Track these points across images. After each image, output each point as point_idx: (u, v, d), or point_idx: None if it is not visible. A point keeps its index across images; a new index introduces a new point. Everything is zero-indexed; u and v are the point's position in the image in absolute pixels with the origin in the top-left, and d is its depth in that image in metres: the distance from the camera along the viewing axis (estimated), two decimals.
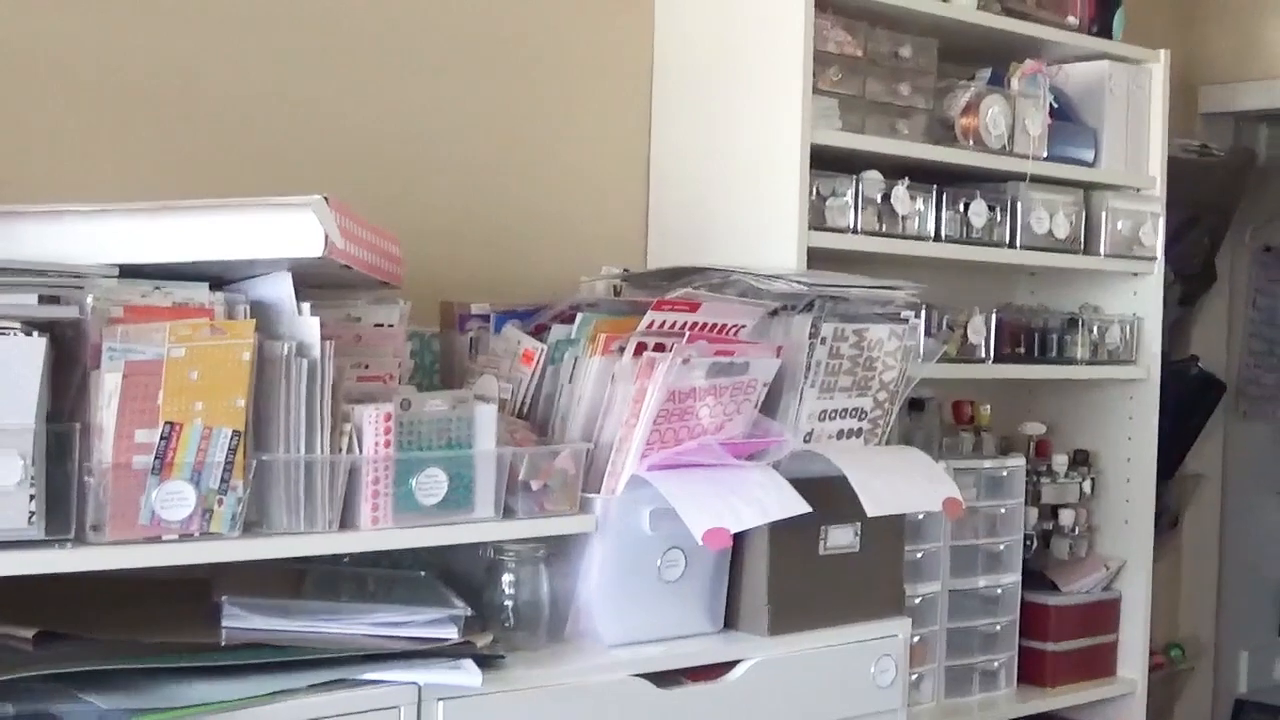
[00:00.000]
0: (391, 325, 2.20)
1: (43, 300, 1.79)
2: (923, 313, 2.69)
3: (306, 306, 1.98)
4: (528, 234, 2.89)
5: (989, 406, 3.48)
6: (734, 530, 2.21)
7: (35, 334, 1.75)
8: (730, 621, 2.40)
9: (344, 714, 1.91)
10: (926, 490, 2.51)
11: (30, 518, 1.77)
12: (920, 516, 3.06)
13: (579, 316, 2.33)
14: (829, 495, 2.37)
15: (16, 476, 1.75)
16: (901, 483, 2.46)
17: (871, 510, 2.37)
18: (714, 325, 2.31)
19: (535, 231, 2.90)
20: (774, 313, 2.43)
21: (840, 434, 2.51)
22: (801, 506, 2.29)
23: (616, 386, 2.24)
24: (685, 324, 2.26)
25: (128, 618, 2.01)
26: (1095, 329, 3.48)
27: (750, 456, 2.35)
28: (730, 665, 2.30)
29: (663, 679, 2.21)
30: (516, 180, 2.88)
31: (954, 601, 3.23)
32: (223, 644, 1.94)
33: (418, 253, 2.34)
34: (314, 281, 2.05)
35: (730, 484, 2.26)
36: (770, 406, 2.40)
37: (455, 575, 2.25)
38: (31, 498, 1.77)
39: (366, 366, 2.14)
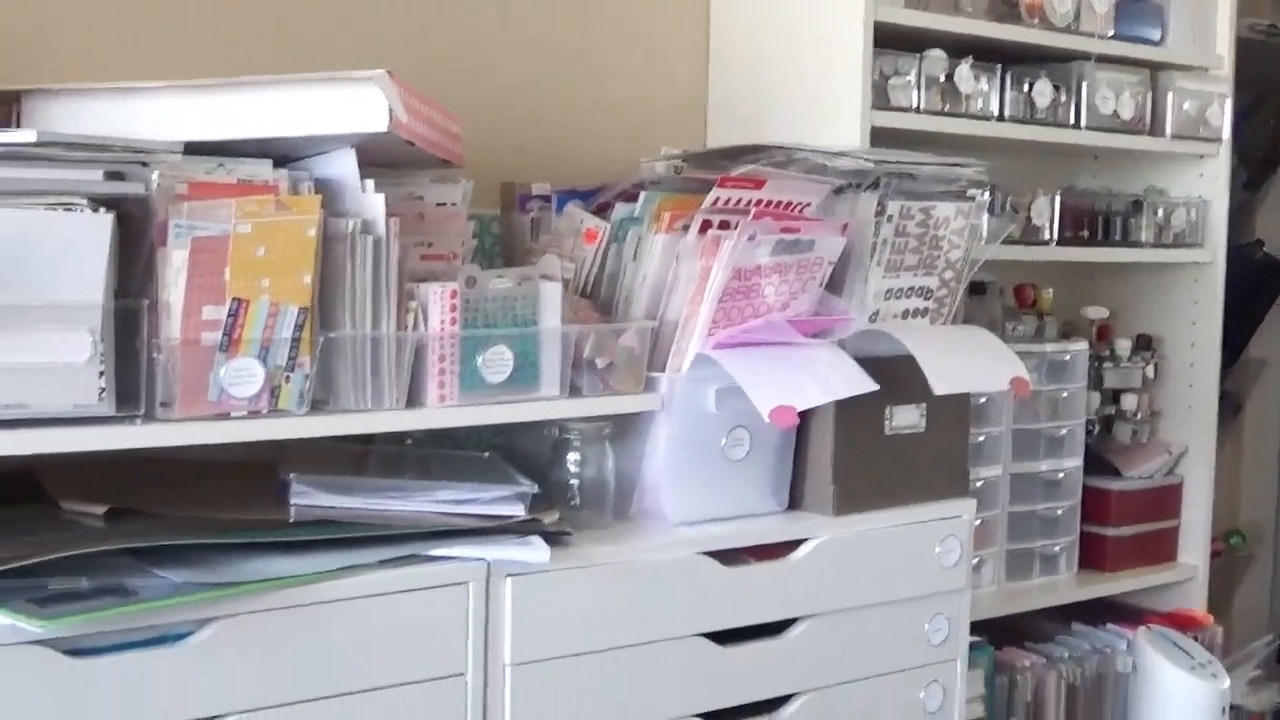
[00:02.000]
0: (454, 204, 2.19)
1: (109, 177, 1.78)
2: (988, 192, 2.66)
3: (370, 184, 1.97)
4: (586, 115, 2.87)
5: (1051, 290, 3.46)
6: (800, 408, 2.19)
7: (102, 211, 1.75)
8: (795, 502, 2.39)
9: (413, 589, 1.92)
10: (994, 370, 2.49)
11: (100, 394, 1.78)
12: (983, 400, 3.05)
13: (642, 195, 2.31)
14: (894, 375, 2.35)
15: (86, 353, 1.75)
16: (969, 362, 2.44)
17: (939, 389, 2.35)
18: (779, 202, 2.28)
19: (594, 113, 2.88)
20: (839, 190, 2.41)
21: (906, 314, 2.49)
22: (868, 385, 2.28)
23: (681, 264, 2.22)
24: (750, 201, 2.24)
25: (196, 496, 2.03)
26: (1160, 212, 3.44)
27: (816, 335, 2.33)
28: (795, 544, 2.30)
29: (728, 557, 2.21)
30: (575, 60, 2.86)
31: (1015, 485, 3.22)
32: (291, 520, 1.95)
33: (476, 134, 2.32)
34: (375, 160, 2.03)
35: (796, 362, 2.25)
36: (836, 285, 2.38)
37: (519, 455, 2.25)
38: (101, 374, 1.77)
39: (430, 245, 2.13)
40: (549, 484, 2.17)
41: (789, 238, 2.23)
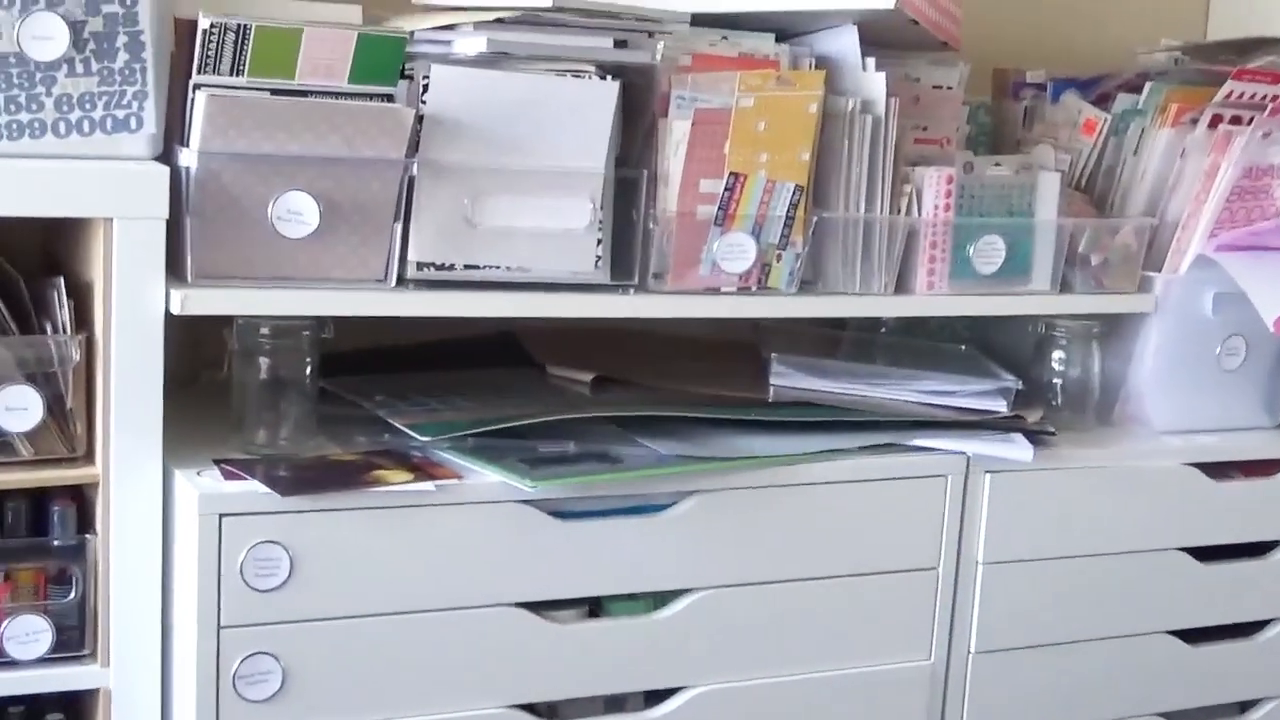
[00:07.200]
0: (950, 88, 2.12)
1: (617, 45, 1.79)
2: None
3: (871, 62, 1.92)
4: (1081, 3, 2.74)
5: None
6: None
7: (609, 78, 1.75)
8: None
9: (892, 478, 1.89)
10: None
11: (596, 261, 1.79)
12: None
13: (1147, 86, 2.19)
14: None
15: (585, 219, 1.77)
16: None
17: None
18: None
19: (1088, 1, 2.75)
20: None
21: None
22: None
23: (1187, 160, 2.11)
24: (1266, 96, 2.11)
25: (675, 370, 2.04)
26: None
27: None
28: None
29: (1215, 470, 2.11)
30: None
31: None
32: (770, 400, 1.94)
33: (969, 17, 2.24)
34: (873, 39, 1.98)
35: None
36: None
37: (993, 350, 2.19)
38: (599, 242, 1.79)
39: (924, 129, 2.07)
40: (1028, 381, 2.10)
41: None
